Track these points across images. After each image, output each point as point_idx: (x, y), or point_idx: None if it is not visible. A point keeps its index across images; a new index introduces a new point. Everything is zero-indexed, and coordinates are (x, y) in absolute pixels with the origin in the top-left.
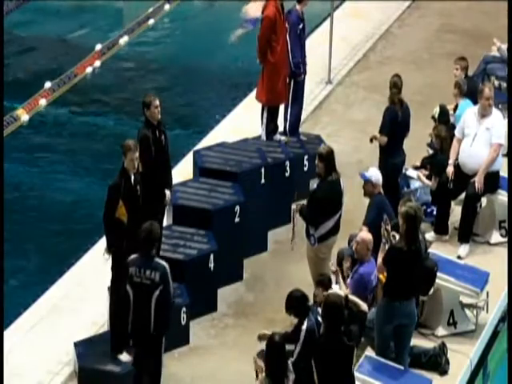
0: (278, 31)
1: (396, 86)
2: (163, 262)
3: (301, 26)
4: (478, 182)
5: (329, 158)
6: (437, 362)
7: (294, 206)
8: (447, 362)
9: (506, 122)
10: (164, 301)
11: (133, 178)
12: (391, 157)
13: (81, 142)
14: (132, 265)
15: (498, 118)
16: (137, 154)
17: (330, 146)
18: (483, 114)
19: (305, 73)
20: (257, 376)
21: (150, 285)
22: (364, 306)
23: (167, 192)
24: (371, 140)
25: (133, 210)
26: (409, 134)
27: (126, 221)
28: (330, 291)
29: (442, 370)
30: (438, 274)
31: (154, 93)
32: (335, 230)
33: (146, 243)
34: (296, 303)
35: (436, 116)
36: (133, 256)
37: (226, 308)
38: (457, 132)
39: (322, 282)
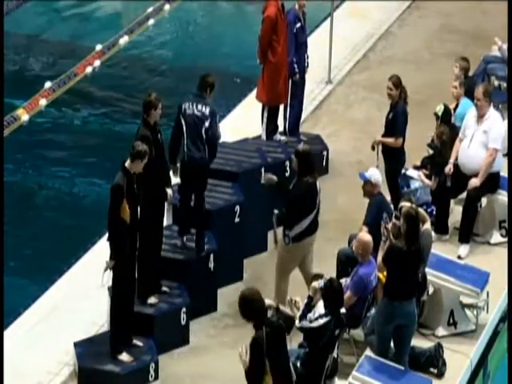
0: (278, 31)
1: (401, 83)
2: (215, 107)
3: (298, 26)
4: (475, 182)
5: (304, 157)
6: (433, 363)
7: (276, 212)
8: (444, 364)
9: (505, 122)
10: (212, 133)
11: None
12: (401, 156)
13: (81, 142)
14: (184, 102)
15: (496, 120)
16: (145, 161)
17: (308, 148)
18: (479, 115)
19: (302, 73)
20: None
21: (201, 117)
22: (294, 316)
23: (169, 190)
24: (373, 147)
25: (133, 210)
26: (409, 134)
27: (128, 220)
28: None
29: (439, 373)
30: (438, 273)
31: (154, 93)
32: (311, 230)
33: (199, 88)
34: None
35: (439, 114)
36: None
37: (226, 308)
38: (460, 132)
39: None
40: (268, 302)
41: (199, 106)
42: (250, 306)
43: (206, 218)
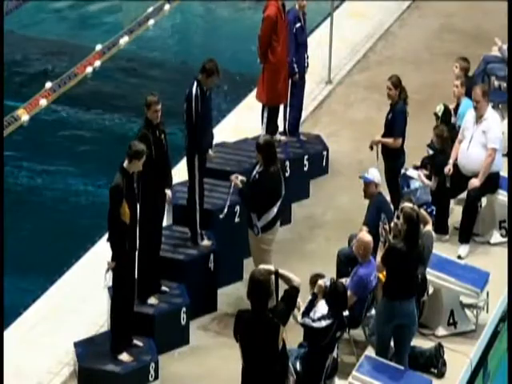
0: (278, 31)
1: (401, 83)
2: (195, 90)
3: (298, 26)
4: (475, 182)
5: (266, 148)
6: (433, 363)
7: (236, 180)
8: (444, 364)
9: (505, 122)
10: (187, 117)
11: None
12: (400, 156)
13: (81, 142)
14: None
15: (494, 120)
16: (143, 160)
17: (268, 138)
18: (478, 116)
19: (302, 73)
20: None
21: (184, 98)
22: (296, 282)
23: (168, 191)
24: (371, 147)
25: (133, 210)
26: (409, 134)
27: (128, 221)
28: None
29: (439, 373)
30: (438, 273)
31: (154, 92)
32: (278, 218)
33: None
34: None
35: (439, 114)
36: None
37: (226, 308)
38: (460, 133)
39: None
40: (267, 267)
41: (187, 89)
42: (258, 286)
43: (193, 213)
